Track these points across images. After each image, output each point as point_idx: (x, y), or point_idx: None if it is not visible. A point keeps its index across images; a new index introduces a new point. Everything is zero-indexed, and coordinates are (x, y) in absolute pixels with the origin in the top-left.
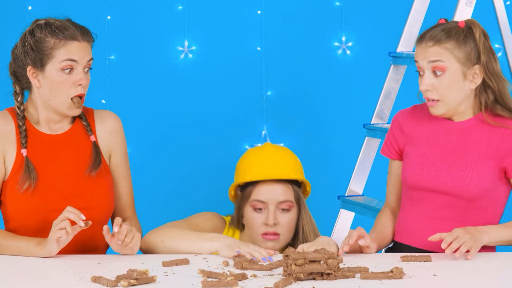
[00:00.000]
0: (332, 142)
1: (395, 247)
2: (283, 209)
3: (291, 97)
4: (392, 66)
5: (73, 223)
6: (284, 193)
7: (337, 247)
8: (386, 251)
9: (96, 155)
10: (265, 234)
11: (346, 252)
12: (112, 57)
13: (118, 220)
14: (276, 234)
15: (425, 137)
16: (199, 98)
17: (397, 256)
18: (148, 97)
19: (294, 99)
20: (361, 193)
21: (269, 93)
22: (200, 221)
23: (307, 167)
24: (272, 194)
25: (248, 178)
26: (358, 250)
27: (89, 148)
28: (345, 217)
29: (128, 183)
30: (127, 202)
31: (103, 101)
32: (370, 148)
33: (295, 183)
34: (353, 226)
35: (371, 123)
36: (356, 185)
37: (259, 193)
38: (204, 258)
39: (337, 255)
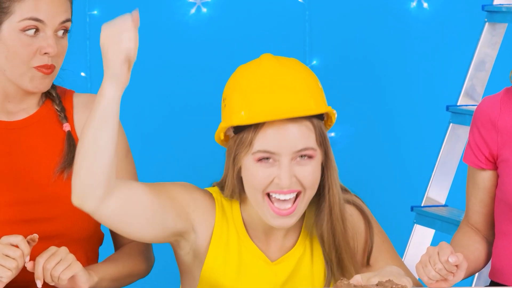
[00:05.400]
0: (404, 132)
1: None
2: (301, 159)
3: (344, 68)
4: (487, 24)
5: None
6: (302, 137)
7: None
8: None
9: (69, 149)
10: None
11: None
12: (95, 12)
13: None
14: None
15: None
16: (215, 68)
17: None
18: (146, 66)
19: (349, 71)
20: (443, 202)
21: (314, 62)
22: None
23: (369, 165)
24: (285, 141)
25: (245, 120)
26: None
27: (60, 140)
28: (422, 235)
29: None
30: None
31: (82, 74)
32: (456, 139)
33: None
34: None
35: (458, 104)
36: (437, 192)
37: (265, 140)
38: None
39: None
